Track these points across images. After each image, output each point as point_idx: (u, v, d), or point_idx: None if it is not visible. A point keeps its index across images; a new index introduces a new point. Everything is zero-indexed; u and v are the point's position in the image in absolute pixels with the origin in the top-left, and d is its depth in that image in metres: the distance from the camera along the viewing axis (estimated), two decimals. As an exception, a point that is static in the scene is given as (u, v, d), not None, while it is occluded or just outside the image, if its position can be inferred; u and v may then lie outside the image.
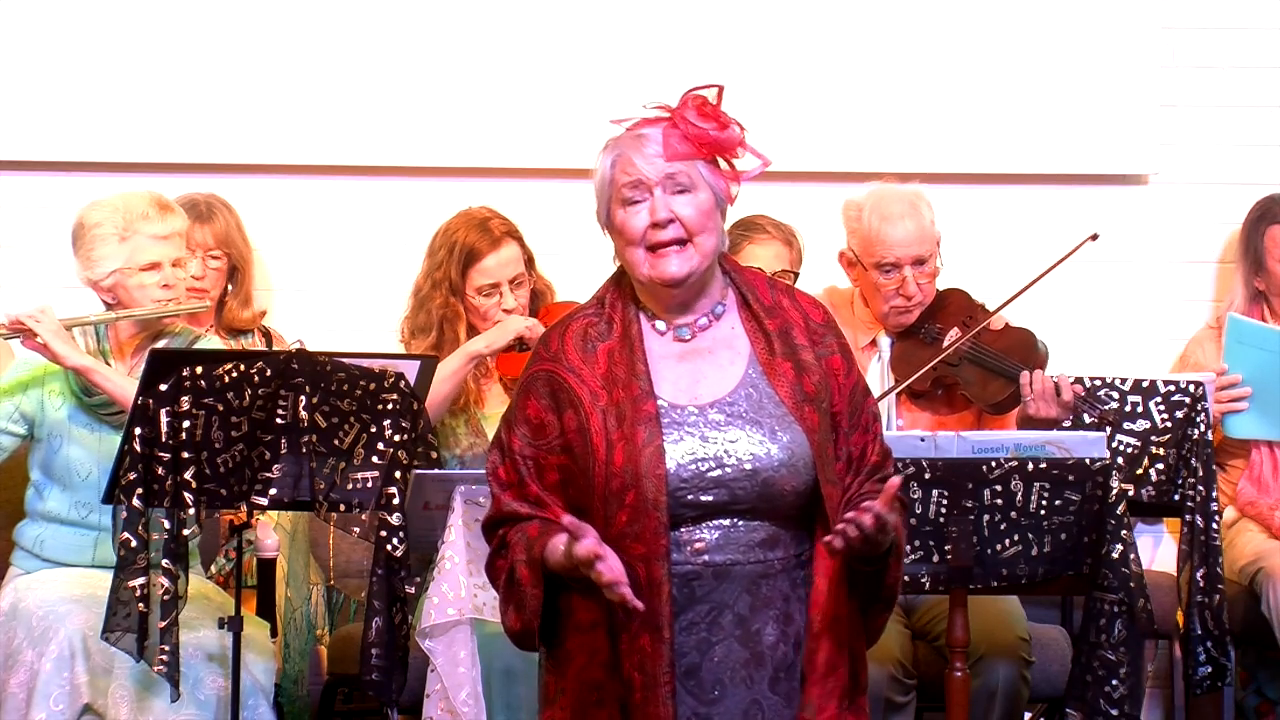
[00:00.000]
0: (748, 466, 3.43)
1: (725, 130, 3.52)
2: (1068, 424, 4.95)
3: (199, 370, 4.53)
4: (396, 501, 4.59)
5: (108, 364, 4.99)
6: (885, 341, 5.27)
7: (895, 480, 3.39)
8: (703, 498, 3.43)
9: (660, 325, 3.54)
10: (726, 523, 3.45)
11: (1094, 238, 5.13)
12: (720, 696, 3.44)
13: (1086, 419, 4.95)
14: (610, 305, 3.56)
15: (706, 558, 3.44)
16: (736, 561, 3.44)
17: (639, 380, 3.46)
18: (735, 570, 3.44)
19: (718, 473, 3.43)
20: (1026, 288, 5.09)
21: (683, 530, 3.43)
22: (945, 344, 5.18)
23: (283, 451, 4.61)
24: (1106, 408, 4.93)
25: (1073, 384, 4.96)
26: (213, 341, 5.11)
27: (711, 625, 3.44)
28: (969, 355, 5.16)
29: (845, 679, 3.46)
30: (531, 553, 3.45)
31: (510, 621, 3.53)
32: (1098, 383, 4.97)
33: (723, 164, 3.55)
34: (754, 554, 3.45)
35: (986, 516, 4.47)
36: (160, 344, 4.98)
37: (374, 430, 4.62)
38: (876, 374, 5.25)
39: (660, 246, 3.48)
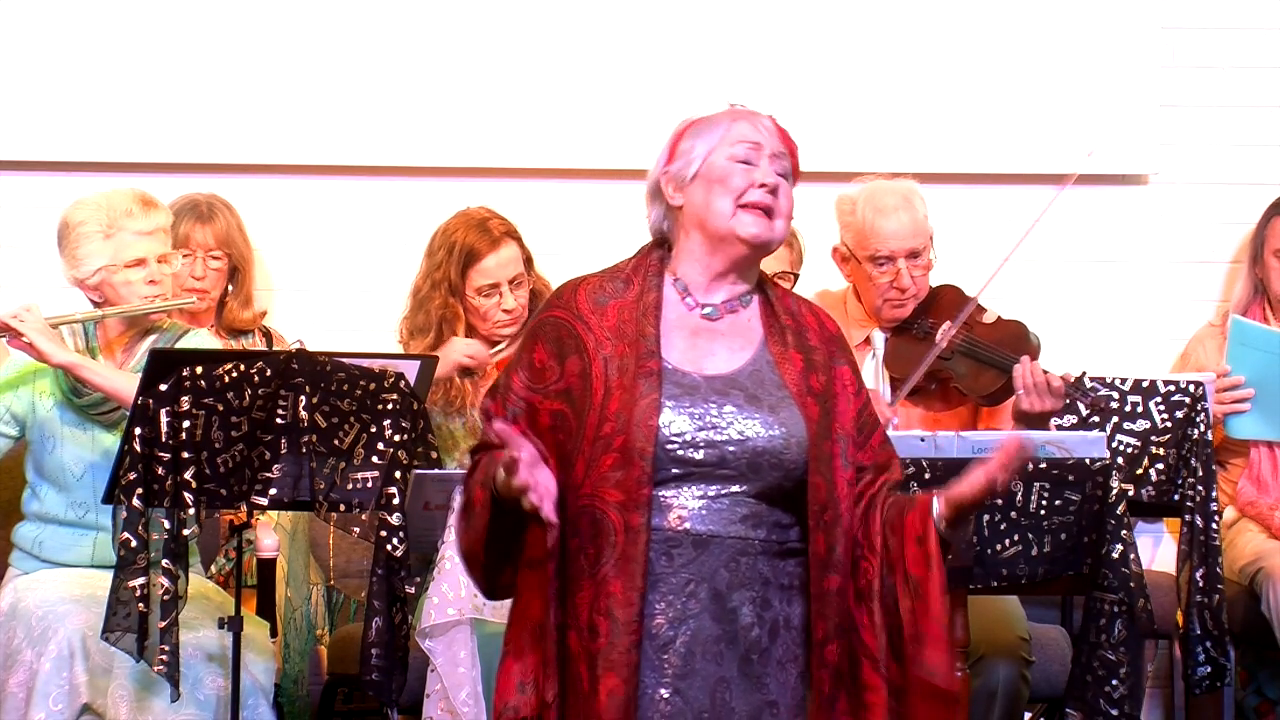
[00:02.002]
0: (741, 434, 3.47)
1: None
2: (1068, 421, 4.95)
3: (199, 370, 4.53)
4: (396, 501, 4.60)
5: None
6: (880, 337, 5.28)
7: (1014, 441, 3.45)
8: (693, 455, 3.45)
9: (690, 300, 3.58)
10: (711, 492, 3.46)
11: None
12: (690, 671, 3.45)
13: (1081, 408, 4.95)
14: (633, 270, 3.60)
15: (688, 525, 3.46)
16: (717, 534, 3.46)
17: (646, 340, 3.50)
18: (715, 543, 3.46)
19: (709, 433, 3.46)
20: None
21: (667, 494, 3.45)
22: (938, 339, 5.20)
23: (283, 451, 4.62)
24: (1098, 394, 4.93)
25: (1063, 375, 4.98)
26: (202, 336, 5.11)
27: (688, 598, 3.46)
28: (961, 348, 5.17)
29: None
30: (487, 473, 3.48)
31: (461, 541, 3.56)
32: (1098, 383, 4.98)
33: None
34: (735, 529, 3.47)
35: (986, 516, 4.48)
36: (149, 340, 4.99)
37: (374, 430, 4.62)
38: (871, 370, 5.26)
39: (755, 206, 3.54)
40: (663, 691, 3.44)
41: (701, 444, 3.46)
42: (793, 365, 3.54)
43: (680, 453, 3.45)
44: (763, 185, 3.54)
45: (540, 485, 3.38)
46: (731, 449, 3.46)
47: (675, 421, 3.45)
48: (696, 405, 3.48)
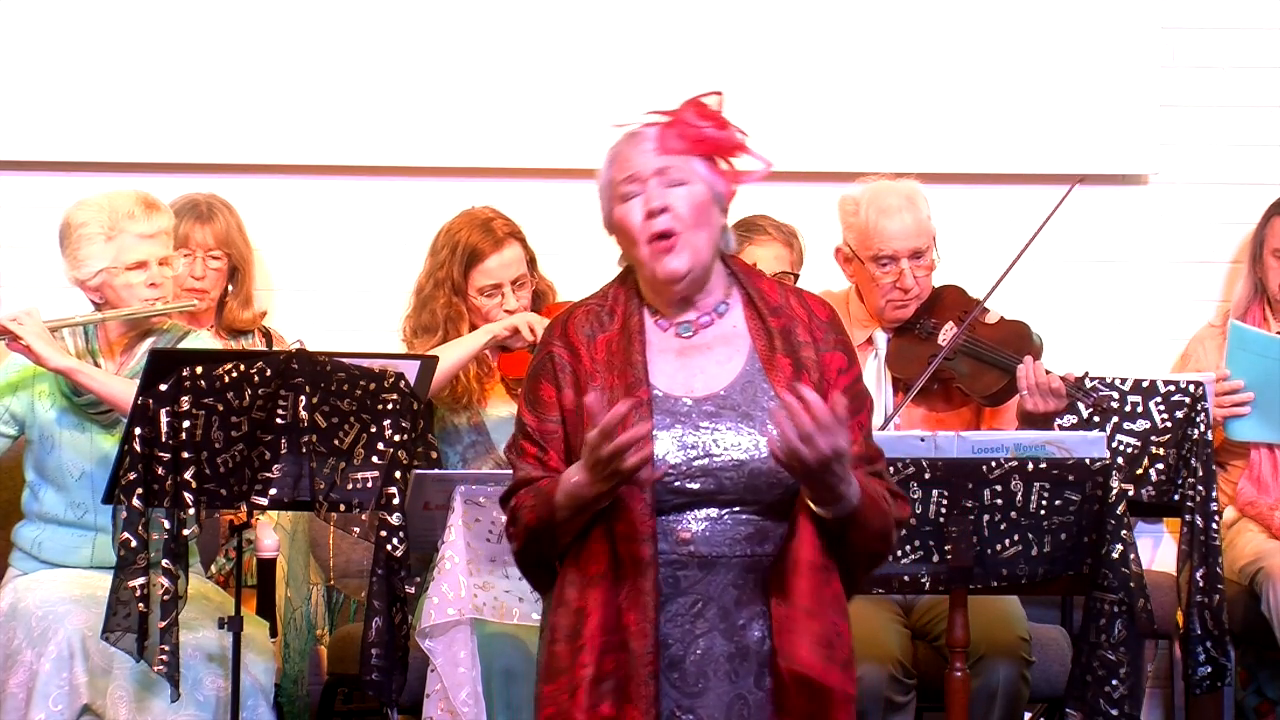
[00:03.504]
0: (736, 458, 3.46)
1: (723, 130, 3.55)
2: (1068, 421, 4.95)
3: (199, 370, 4.53)
4: (396, 501, 4.59)
5: (97, 364, 4.99)
6: (882, 338, 5.28)
7: (840, 400, 3.38)
8: (689, 485, 3.45)
9: (663, 322, 3.58)
10: (714, 514, 3.47)
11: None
12: (703, 690, 3.46)
13: (1082, 408, 4.95)
14: (613, 299, 3.61)
15: (692, 548, 3.46)
16: (723, 555, 3.47)
17: (634, 369, 3.50)
18: (722, 563, 3.46)
19: (704, 461, 3.46)
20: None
21: (670, 519, 3.45)
22: (940, 339, 5.20)
23: (283, 451, 4.61)
24: (1100, 394, 4.93)
25: (1064, 376, 4.98)
26: (203, 338, 5.11)
27: (695, 618, 3.46)
28: (963, 348, 5.17)
29: (827, 628, 3.43)
30: (540, 495, 3.47)
31: (527, 556, 3.54)
32: (1098, 383, 4.98)
33: (721, 164, 3.57)
34: (741, 547, 3.47)
35: (986, 516, 4.47)
36: (149, 342, 4.99)
37: (374, 430, 4.62)
38: (873, 371, 5.26)
39: (656, 238, 3.51)
40: (677, 712, 3.45)
41: (698, 474, 3.46)
42: (781, 372, 3.52)
43: (677, 484, 3.46)
44: (649, 214, 3.51)
45: (643, 436, 3.36)
46: (729, 475, 3.46)
47: (670, 453, 3.45)
48: (689, 433, 3.47)
